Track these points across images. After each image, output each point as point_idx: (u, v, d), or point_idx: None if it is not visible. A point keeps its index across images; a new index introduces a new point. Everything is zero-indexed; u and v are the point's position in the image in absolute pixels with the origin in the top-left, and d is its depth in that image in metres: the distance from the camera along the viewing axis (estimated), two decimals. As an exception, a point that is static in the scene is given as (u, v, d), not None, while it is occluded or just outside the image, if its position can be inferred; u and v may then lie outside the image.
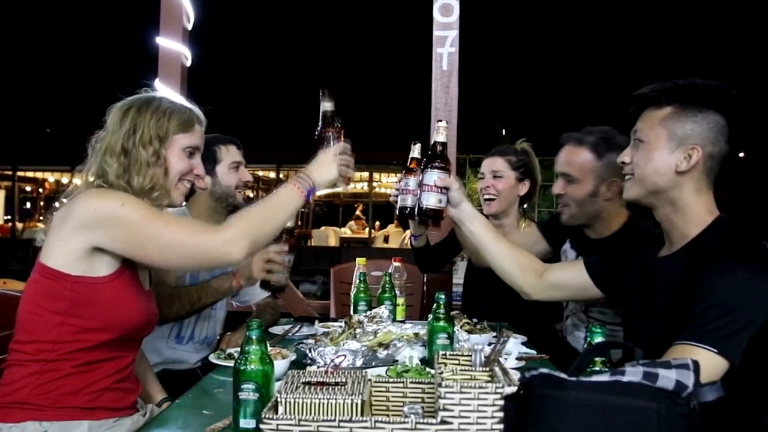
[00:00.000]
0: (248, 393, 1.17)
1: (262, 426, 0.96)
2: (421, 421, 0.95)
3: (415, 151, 1.97)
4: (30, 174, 15.88)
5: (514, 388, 1.00)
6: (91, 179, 1.52)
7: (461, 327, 1.91)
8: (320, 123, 1.75)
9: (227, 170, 2.20)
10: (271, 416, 0.96)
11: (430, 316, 1.69)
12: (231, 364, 1.40)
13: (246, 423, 1.17)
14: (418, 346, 1.75)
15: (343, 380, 1.10)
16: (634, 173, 1.52)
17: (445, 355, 1.26)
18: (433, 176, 1.70)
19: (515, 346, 1.87)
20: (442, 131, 1.73)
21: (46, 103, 15.79)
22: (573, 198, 2.05)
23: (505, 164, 2.55)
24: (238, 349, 1.28)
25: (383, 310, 1.98)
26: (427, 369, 1.55)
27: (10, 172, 15.14)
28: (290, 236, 1.97)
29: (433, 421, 0.95)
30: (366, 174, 14.76)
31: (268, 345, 1.23)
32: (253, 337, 1.19)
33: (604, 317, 2.08)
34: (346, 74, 16.09)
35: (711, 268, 1.35)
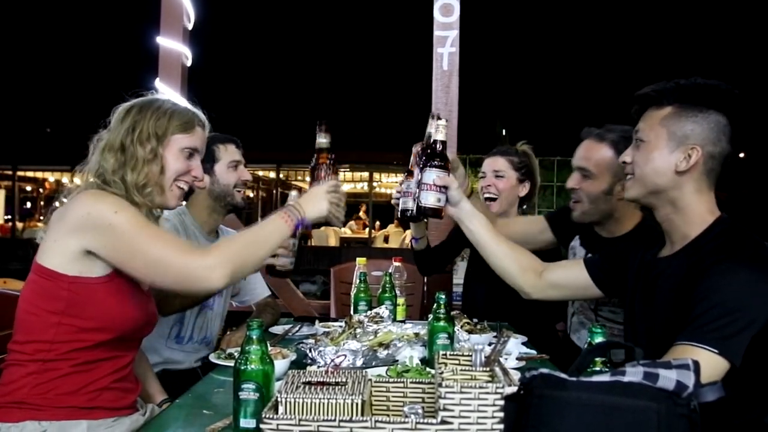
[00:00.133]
0: (248, 393, 1.17)
1: (262, 426, 0.96)
2: (422, 421, 0.95)
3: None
4: (30, 174, 15.90)
5: (514, 388, 1.00)
6: (91, 178, 1.52)
7: (461, 327, 1.91)
8: (314, 157, 1.77)
9: (225, 169, 2.21)
10: (271, 416, 0.96)
11: (431, 316, 1.69)
12: (231, 363, 1.40)
13: (246, 423, 1.17)
14: (419, 346, 1.75)
15: (344, 380, 1.10)
16: (634, 173, 1.52)
17: (445, 355, 1.26)
18: (432, 175, 1.70)
19: (515, 346, 1.87)
20: (442, 129, 1.72)
21: (46, 103, 15.79)
22: (587, 193, 2.02)
23: (507, 164, 2.55)
24: (239, 348, 1.28)
25: (383, 310, 1.98)
26: (428, 369, 1.55)
27: (10, 172, 15.15)
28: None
29: (434, 421, 0.95)
30: (366, 174, 14.77)
31: (268, 345, 1.23)
32: (254, 337, 1.20)
33: (615, 317, 2.07)
34: (347, 74, 16.09)
35: (712, 268, 1.34)
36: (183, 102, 1.69)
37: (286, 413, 1.00)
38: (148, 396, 1.75)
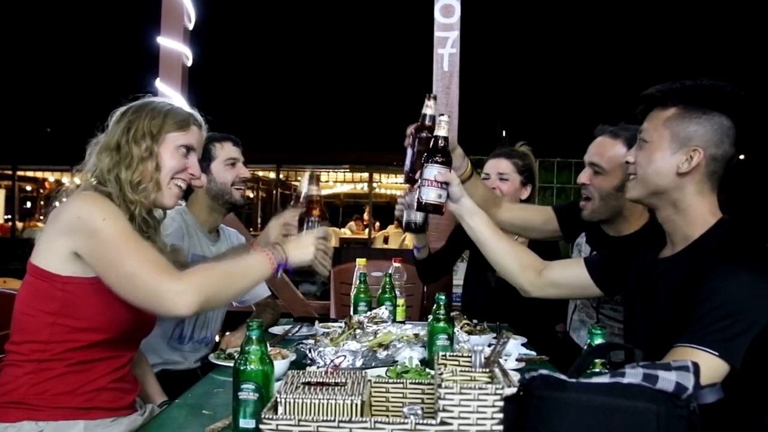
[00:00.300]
0: (248, 393, 1.17)
1: (261, 426, 0.96)
2: (421, 422, 0.95)
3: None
4: (30, 174, 15.88)
5: (513, 390, 1.00)
6: (89, 178, 1.53)
7: (461, 328, 1.91)
8: (305, 205, 1.80)
9: (222, 167, 2.21)
10: (270, 416, 0.96)
11: (430, 317, 1.69)
12: (231, 364, 1.40)
13: (246, 423, 1.17)
14: (418, 347, 1.75)
15: (343, 381, 1.10)
16: (636, 173, 1.52)
17: (444, 356, 1.26)
18: (434, 171, 1.69)
19: (515, 347, 1.87)
20: (444, 125, 1.72)
21: (46, 103, 15.78)
22: (597, 189, 2.01)
23: (511, 167, 2.55)
24: (238, 349, 1.28)
25: (383, 311, 1.98)
26: (427, 370, 1.55)
27: (10, 172, 15.14)
28: (308, 203, 1.91)
29: (433, 422, 0.95)
30: (366, 174, 14.76)
31: (268, 345, 1.23)
32: (253, 337, 1.20)
33: (616, 315, 2.06)
34: (347, 75, 16.09)
35: (713, 270, 1.34)
36: (183, 103, 1.69)
37: (285, 414, 1.00)
38: (147, 397, 1.75)
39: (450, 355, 1.26)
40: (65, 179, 13.81)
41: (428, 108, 1.79)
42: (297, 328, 2.19)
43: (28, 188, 16.89)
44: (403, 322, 2.05)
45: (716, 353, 1.27)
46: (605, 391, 0.96)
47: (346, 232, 14.26)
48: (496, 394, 0.95)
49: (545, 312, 2.46)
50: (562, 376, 0.99)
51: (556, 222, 2.25)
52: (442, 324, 1.66)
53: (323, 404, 1.01)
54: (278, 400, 1.02)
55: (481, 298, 2.60)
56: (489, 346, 1.79)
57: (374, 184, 15.02)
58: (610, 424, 0.94)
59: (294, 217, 1.90)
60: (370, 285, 2.21)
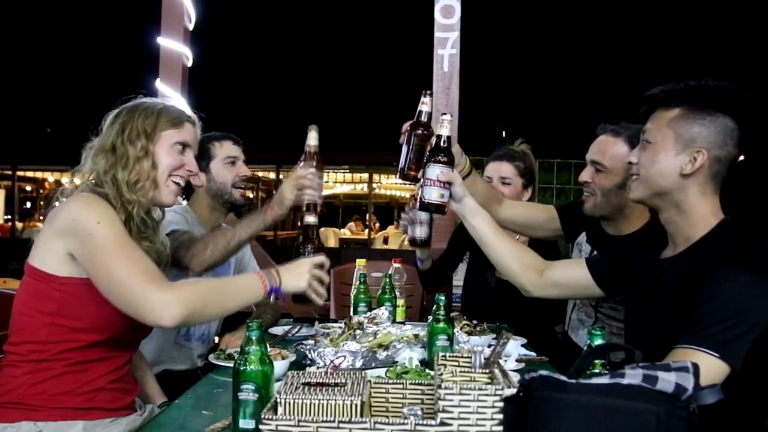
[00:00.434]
0: (248, 393, 1.17)
1: (261, 426, 0.96)
2: (421, 422, 0.95)
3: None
4: (30, 174, 15.88)
5: (513, 390, 1.00)
6: (87, 179, 1.53)
7: (461, 328, 1.91)
8: (302, 235, 1.82)
9: (222, 166, 2.21)
10: (270, 417, 0.96)
11: (430, 318, 1.69)
12: (231, 364, 1.41)
13: (245, 423, 1.17)
14: (418, 348, 1.75)
15: (343, 381, 1.10)
16: (639, 174, 1.52)
17: (444, 356, 1.26)
18: (436, 170, 1.69)
19: (515, 347, 1.87)
20: (446, 125, 1.71)
21: (46, 103, 15.78)
22: (600, 186, 2.01)
23: (513, 171, 2.56)
24: (238, 349, 1.28)
25: (383, 312, 1.98)
26: (427, 370, 1.55)
27: (10, 172, 15.14)
28: (317, 155, 1.91)
29: (433, 422, 0.95)
30: (366, 175, 14.75)
31: (267, 345, 1.23)
32: (253, 338, 1.20)
33: (615, 314, 2.07)
34: (347, 75, 16.09)
35: (715, 271, 1.34)
36: (183, 103, 1.69)
37: (285, 414, 1.00)
38: (146, 397, 1.75)
39: (450, 356, 1.26)
40: (65, 179, 13.81)
41: (424, 105, 1.79)
42: (297, 329, 2.19)
43: (28, 188, 16.89)
44: (402, 323, 2.05)
45: (717, 355, 1.27)
46: (605, 391, 0.96)
47: (345, 233, 14.26)
48: (495, 394, 0.96)
49: (545, 313, 2.46)
50: (562, 377, 0.99)
51: (558, 220, 2.25)
52: (441, 324, 1.66)
53: (323, 405, 1.01)
54: (278, 400, 1.02)
55: (481, 299, 2.60)
56: (489, 346, 1.79)
57: (374, 185, 15.02)
58: (610, 424, 0.94)
59: (305, 171, 1.89)
60: (370, 285, 2.21)
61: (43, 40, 15.21)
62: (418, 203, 1.76)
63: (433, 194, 1.70)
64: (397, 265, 2.27)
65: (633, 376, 0.97)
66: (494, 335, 1.96)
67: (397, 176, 1.85)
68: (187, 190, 2.29)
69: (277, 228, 13.28)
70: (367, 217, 15.07)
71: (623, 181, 1.97)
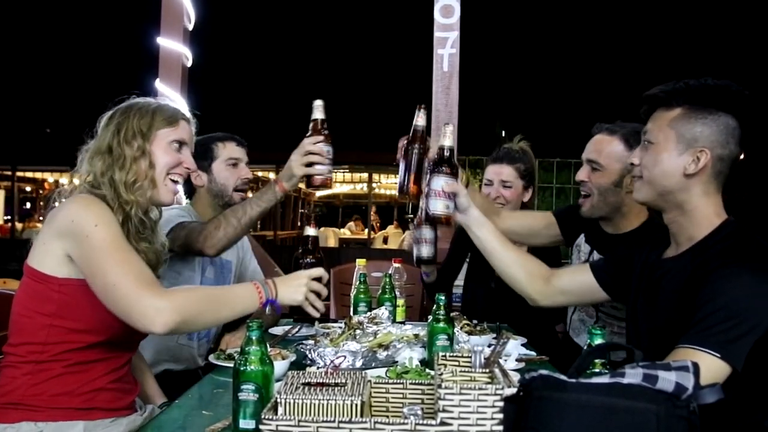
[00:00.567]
0: (248, 394, 1.17)
1: (261, 427, 0.96)
2: (421, 422, 0.95)
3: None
4: (30, 174, 15.87)
5: (513, 390, 1.00)
6: (84, 177, 1.53)
7: (461, 328, 1.91)
8: (300, 247, 1.84)
9: (224, 167, 2.21)
10: (270, 417, 0.96)
11: (430, 318, 1.69)
12: (231, 364, 1.40)
13: (245, 423, 1.17)
14: (418, 348, 1.75)
15: (343, 381, 1.10)
16: (642, 175, 1.51)
17: (444, 356, 1.26)
18: (440, 182, 1.68)
19: (515, 347, 1.87)
20: (449, 135, 1.70)
21: (46, 103, 15.79)
22: (596, 185, 2.01)
23: (514, 173, 2.56)
24: (238, 349, 1.28)
25: (383, 311, 1.98)
26: (427, 370, 1.55)
27: (9, 172, 15.13)
28: (324, 127, 1.89)
29: (433, 422, 0.95)
30: (366, 175, 14.75)
31: (268, 346, 1.23)
32: (253, 338, 1.20)
33: (616, 312, 2.06)
34: (347, 75, 16.09)
35: (717, 271, 1.34)
36: (183, 103, 1.69)
37: (285, 414, 1.00)
38: (147, 398, 1.75)
39: (450, 356, 1.26)
40: (65, 180, 13.81)
41: (419, 119, 1.78)
42: (297, 329, 2.19)
43: (28, 189, 16.88)
44: (403, 323, 2.05)
45: (718, 355, 1.27)
46: (605, 391, 0.96)
47: (345, 233, 14.26)
48: (496, 394, 0.96)
49: (545, 312, 2.45)
50: (562, 377, 0.99)
51: (557, 226, 2.26)
52: (441, 324, 1.66)
53: (323, 405, 1.01)
54: (278, 400, 1.02)
55: (481, 299, 2.60)
56: (489, 346, 1.79)
57: (374, 185, 15.01)
58: (610, 424, 0.94)
59: (312, 144, 1.86)
60: (370, 285, 2.21)
61: (43, 41, 15.22)
62: (423, 215, 1.76)
63: (438, 206, 1.69)
64: (397, 264, 2.27)
65: (633, 375, 0.97)
66: (494, 335, 1.96)
67: (397, 194, 1.85)
68: (190, 190, 2.29)
69: (277, 228, 13.28)
70: (370, 216, 15.07)
71: (619, 179, 1.98)
